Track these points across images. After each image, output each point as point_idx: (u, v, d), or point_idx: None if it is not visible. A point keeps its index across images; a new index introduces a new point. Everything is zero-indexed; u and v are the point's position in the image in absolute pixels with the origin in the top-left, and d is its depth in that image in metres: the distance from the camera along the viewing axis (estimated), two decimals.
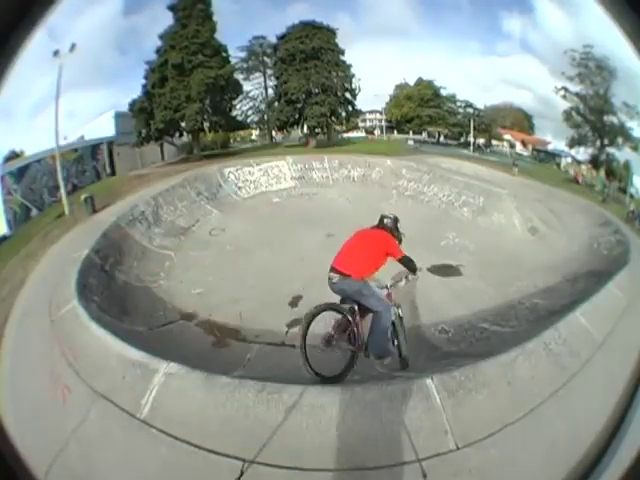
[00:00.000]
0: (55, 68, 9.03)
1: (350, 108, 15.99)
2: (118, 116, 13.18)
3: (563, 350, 2.96)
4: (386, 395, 2.42)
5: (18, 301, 4.50)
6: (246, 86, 16.29)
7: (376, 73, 16.29)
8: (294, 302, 4.76)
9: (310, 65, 14.59)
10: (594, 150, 12.25)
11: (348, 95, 15.73)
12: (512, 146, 15.77)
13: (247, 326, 4.37)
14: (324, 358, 3.03)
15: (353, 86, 15.56)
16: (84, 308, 3.66)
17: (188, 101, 12.84)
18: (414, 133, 17.38)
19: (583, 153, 12.70)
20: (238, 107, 16.28)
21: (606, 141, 11.83)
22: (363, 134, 18.24)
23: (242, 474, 2.08)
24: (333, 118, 15.76)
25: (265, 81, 17.11)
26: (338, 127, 16.76)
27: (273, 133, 17.98)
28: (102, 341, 3.14)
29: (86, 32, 11.08)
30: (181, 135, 14.50)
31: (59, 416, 2.61)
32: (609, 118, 11.55)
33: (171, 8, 12.93)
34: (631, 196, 10.28)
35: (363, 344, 3.12)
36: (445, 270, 5.99)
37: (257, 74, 17.00)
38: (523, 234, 7.67)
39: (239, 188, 10.40)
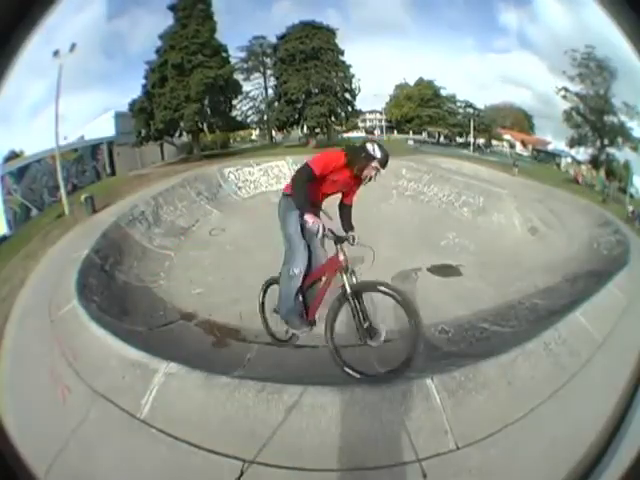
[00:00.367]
0: (55, 68, 9.04)
1: (350, 108, 15.99)
2: (118, 116, 13.17)
3: (563, 350, 2.96)
4: (386, 395, 2.42)
5: (18, 301, 4.50)
6: (246, 86, 16.28)
7: (375, 73, 16.28)
8: None
9: (310, 65, 14.59)
10: (594, 150, 12.25)
11: (348, 95, 15.73)
12: (512, 146, 15.76)
13: (247, 326, 4.37)
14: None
15: (353, 86, 15.57)
16: (84, 308, 3.66)
17: (188, 101, 12.85)
18: (414, 133, 17.37)
19: (583, 153, 12.70)
20: (238, 107, 16.27)
21: (606, 141, 11.83)
22: (363, 134, 18.22)
23: (242, 474, 2.08)
24: (333, 118, 15.76)
25: (265, 81, 17.09)
26: (338, 127, 16.76)
27: (273, 133, 17.97)
28: (102, 341, 3.15)
29: (85, 32, 11.07)
30: (181, 135, 14.50)
31: (59, 416, 2.61)
32: (609, 118, 11.55)
33: (171, 8, 12.93)
34: (631, 196, 10.28)
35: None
36: (445, 270, 5.99)
37: (257, 74, 16.97)
38: (523, 234, 7.66)
39: (239, 188, 10.40)
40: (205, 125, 14.08)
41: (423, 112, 16.58)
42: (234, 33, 15.01)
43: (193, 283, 5.48)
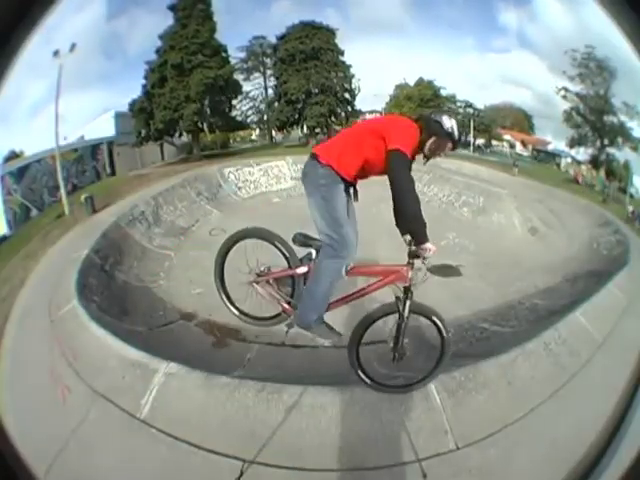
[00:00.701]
0: (55, 68, 9.04)
1: (350, 108, 15.99)
2: (118, 116, 13.17)
3: (563, 350, 2.96)
4: (386, 395, 2.42)
5: (18, 301, 4.49)
6: (246, 86, 16.30)
7: (375, 73, 16.29)
8: None
9: (310, 65, 14.60)
10: (594, 150, 12.26)
11: (347, 95, 15.73)
12: (512, 146, 15.76)
13: (247, 326, 4.35)
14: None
15: (353, 86, 15.58)
16: (84, 308, 3.66)
17: (187, 101, 12.85)
18: None
19: (583, 153, 12.71)
20: (238, 107, 16.29)
21: (606, 141, 11.84)
22: None
23: (242, 474, 2.08)
24: (333, 118, 15.76)
25: (265, 81, 17.10)
26: (338, 127, 16.77)
27: (273, 133, 17.97)
28: (102, 341, 3.14)
29: (85, 32, 11.07)
30: (181, 135, 14.50)
31: (59, 416, 2.61)
32: (609, 118, 11.56)
33: (171, 8, 12.94)
34: (631, 196, 10.28)
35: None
36: (445, 270, 5.98)
37: (257, 74, 16.99)
38: (523, 234, 7.67)
39: (239, 188, 10.39)
40: (205, 125, 14.07)
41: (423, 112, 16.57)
42: (234, 33, 15.05)
43: (193, 283, 5.47)
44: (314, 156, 2.21)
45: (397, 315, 2.24)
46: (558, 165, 13.84)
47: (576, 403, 2.50)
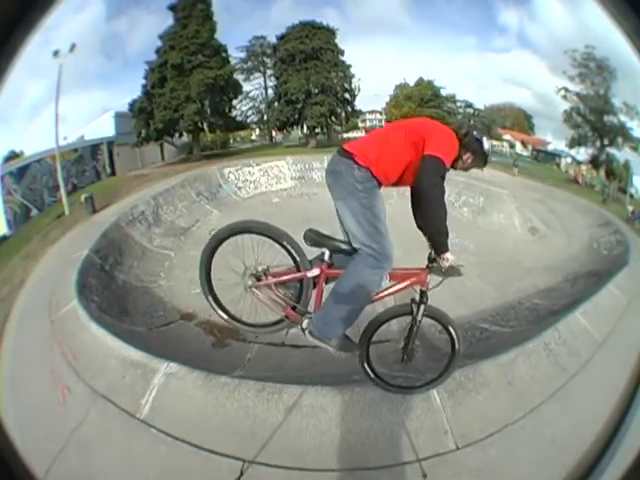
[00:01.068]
0: (55, 68, 9.04)
1: (350, 108, 15.99)
2: (118, 116, 13.17)
3: (563, 350, 2.96)
4: (386, 395, 2.42)
5: (18, 301, 4.49)
6: (246, 86, 16.29)
7: (375, 73, 16.29)
8: None
9: (310, 65, 14.59)
10: (594, 150, 12.26)
11: (347, 95, 15.72)
12: (512, 146, 15.77)
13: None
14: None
15: (353, 86, 15.57)
16: (84, 308, 3.66)
17: (188, 101, 12.85)
18: None
19: (583, 153, 12.72)
20: (238, 107, 16.28)
21: (606, 141, 11.84)
22: (363, 134, 18.22)
23: (242, 474, 2.08)
24: (333, 118, 15.76)
25: (265, 81, 17.09)
26: (338, 127, 16.76)
27: (273, 133, 17.97)
28: (102, 341, 3.14)
29: (85, 32, 11.08)
30: (181, 135, 14.49)
31: (59, 416, 2.60)
32: (609, 118, 11.57)
33: (171, 8, 12.94)
34: (631, 196, 10.29)
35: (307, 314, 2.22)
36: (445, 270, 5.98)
37: (257, 74, 16.99)
38: (523, 234, 7.67)
39: (239, 188, 10.39)
40: (205, 125, 14.07)
41: (423, 112, 16.57)
42: (234, 33, 15.06)
43: (193, 283, 5.45)
44: (348, 154, 2.00)
45: (410, 318, 2.20)
46: (558, 165, 13.84)
47: (576, 403, 2.50)
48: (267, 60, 16.64)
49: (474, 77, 16.89)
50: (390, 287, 2.20)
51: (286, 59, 14.76)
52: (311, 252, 2.21)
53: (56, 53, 9.05)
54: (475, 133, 2.11)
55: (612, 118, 11.46)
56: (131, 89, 13.01)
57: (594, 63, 11.26)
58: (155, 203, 8.06)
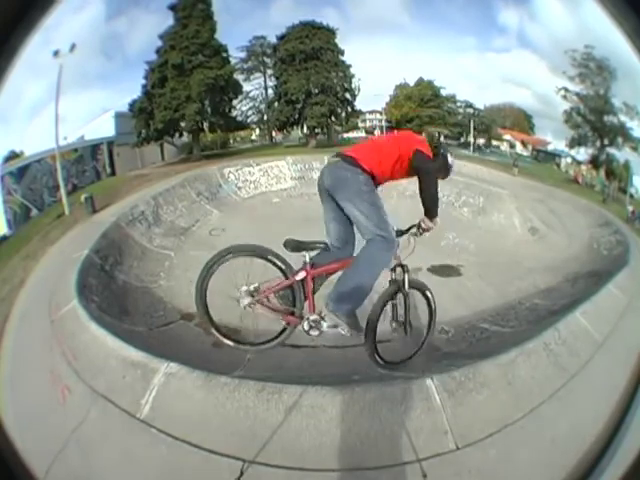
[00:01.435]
0: (55, 68, 9.04)
1: (350, 108, 15.99)
2: (118, 116, 13.17)
3: (563, 350, 2.96)
4: (386, 395, 2.42)
5: (18, 301, 4.49)
6: (246, 86, 16.29)
7: (375, 73, 16.27)
8: None
9: (310, 65, 14.59)
10: (594, 150, 12.26)
11: (348, 95, 15.73)
12: (512, 146, 15.77)
13: (247, 326, 4.36)
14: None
15: (353, 86, 15.57)
16: (84, 308, 3.65)
17: (188, 101, 12.85)
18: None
19: (583, 153, 12.72)
20: (238, 107, 16.29)
21: (606, 141, 11.84)
22: (363, 134, 18.23)
23: (242, 474, 2.08)
24: (333, 118, 15.76)
25: (265, 81, 17.09)
26: (338, 127, 16.76)
27: (273, 133, 17.97)
28: (102, 341, 3.14)
29: (85, 32, 11.07)
30: (181, 135, 14.50)
31: (59, 416, 2.60)
32: (609, 118, 11.56)
33: (171, 8, 12.94)
34: (631, 196, 10.29)
35: (300, 313, 2.49)
36: (445, 270, 5.99)
37: (257, 74, 16.99)
38: (523, 234, 7.67)
39: (239, 188, 10.39)
40: (206, 125, 14.07)
41: (423, 112, 16.59)
42: (234, 33, 15.03)
43: (193, 283, 5.46)
44: (353, 161, 2.34)
45: (400, 294, 2.54)
46: (558, 165, 13.84)
47: (576, 403, 2.50)
48: (267, 60, 16.65)
49: (474, 77, 16.88)
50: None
51: (286, 59, 14.76)
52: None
53: (56, 53, 9.05)
54: (442, 150, 2.64)
55: (612, 118, 11.46)
56: (131, 89, 13.03)
57: (594, 63, 11.25)
58: (155, 203, 8.07)
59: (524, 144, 15.49)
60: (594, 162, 12.24)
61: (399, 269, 2.55)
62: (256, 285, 2.55)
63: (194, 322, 4.58)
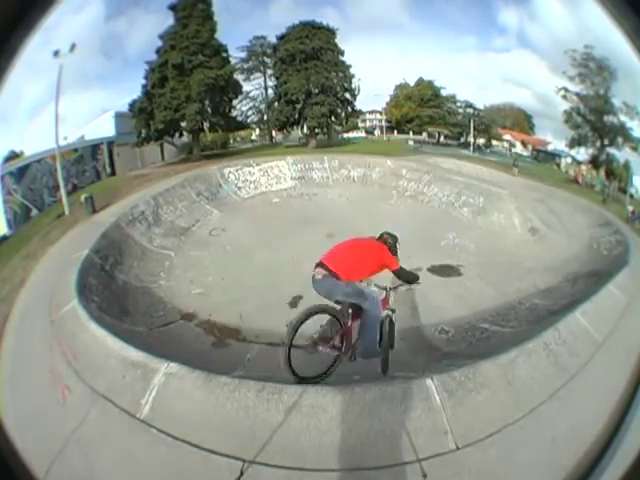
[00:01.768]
0: (55, 68, 9.04)
1: (350, 108, 15.98)
2: (118, 116, 13.17)
3: (563, 350, 2.96)
4: (386, 395, 2.42)
5: (18, 301, 4.50)
6: (246, 86, 16.29)
7: (375, 73, 16.27)
8: (294, 302, 4.76)
9: (310, 65, 14.59)
10: (594, 150, 12.26)
11: (348, 95, 15.72)
12: (512, 146, 15.77)
13: (247, 326, 4.37)
14: (306, 358, 2.95)
15: (353, 86, 15.57)
16: (84, 308, 3.66)
17: (188, 101, 12.84)
18: (414, 133, 17.36)
19: (583, 153, 12.71)
20: (238, 107, 16.28)
21: (606, 141, 11.84)
22: (363, 134, 18.23)
23: (242, 474, 2.08)
24: (333, 118, 15.76)
25: (265, 81, 17.10)
26: (338, 127, 16.75)
27: (273, 133, 17.97)
28: (102, 341, 3.15)
29: (85, 32, 11.08)
30: (181, 135, 14.50)
31: (59, 416, 2.61)
32: (609, 118, 11.56)
33: (171, 8, 12.94)
34: (631, 196, 10.29)
35: (350, 348, 3.08)
36: (445, 270, 5.99)
37: (257, 74, 16.99)
38: (523, 234, 7.67)
39: (239, 188, 10.40)
40: (206, 125, 14.07)
41: (423, 112, 16.58)
42: (234, 33, 15.04)
43: (193, 283, 5.49)
44: (334, 275, 2.91)
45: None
46: (558, 165, 13.84)
47: (576, 403, 2.50)
48: (267, 60, 16.65)
49: (474, 77, 16.88)
50: None
51: (286, 59, 14.76)
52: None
53: (56, 53, 9.05)
54: (389, 239, 3.31)
55: (612, 118, 11.45)
56: (131, 89, 13.02)
57: (594, 63, 11.25)
58: (155, 203, 8.07)
59: (524, 144, 15.49)
60: (594, 162, 12.24)
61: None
62: (317, 333, 3.23)
63: (194, 322, 4.59)
